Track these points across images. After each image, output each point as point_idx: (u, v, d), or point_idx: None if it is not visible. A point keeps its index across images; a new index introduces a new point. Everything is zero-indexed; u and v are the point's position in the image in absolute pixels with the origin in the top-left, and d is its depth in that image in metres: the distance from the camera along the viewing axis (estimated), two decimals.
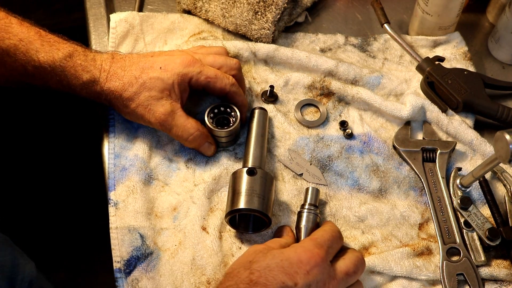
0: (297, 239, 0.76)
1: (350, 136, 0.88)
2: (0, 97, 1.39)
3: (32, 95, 1.46)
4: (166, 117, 0.78)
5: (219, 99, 0.86)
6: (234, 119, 0.84)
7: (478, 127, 0.89)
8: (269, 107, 0.90)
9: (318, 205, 0.78)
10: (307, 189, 0.79)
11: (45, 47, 0.77)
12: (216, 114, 0.84)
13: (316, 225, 0.76)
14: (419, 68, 0.93)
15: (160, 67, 0.79)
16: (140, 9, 1.02)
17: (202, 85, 0.81)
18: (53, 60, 0.77)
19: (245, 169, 0.76)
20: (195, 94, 0.85)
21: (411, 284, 0.76)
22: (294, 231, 0.77)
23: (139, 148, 0.83)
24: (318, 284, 0.64)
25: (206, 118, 0.82)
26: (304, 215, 0.76)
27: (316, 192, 0.78)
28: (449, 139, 0.89)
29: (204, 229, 0.77)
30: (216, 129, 0.82)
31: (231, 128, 0.83)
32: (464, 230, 0.79)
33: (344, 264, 0.68)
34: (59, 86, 0.79)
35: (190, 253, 0.76)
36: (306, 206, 0.77)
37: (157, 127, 0.80)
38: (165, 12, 1.00)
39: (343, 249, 0.72)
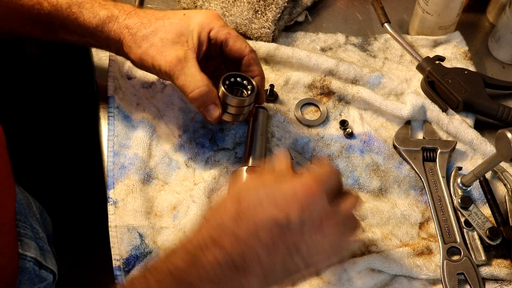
0: None
1: (350, 135, 0.88)
2: (0, 97, 1.39)
3: (31, 93, 1.46)
4: (177, 62, 0.71)
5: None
6: (249, 92, 0.78)
7: (479, 127, 0.89)
8: (269, 106, 0.90)
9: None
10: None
11: None
12: (231, 84, 0.78)
13: None
14: (420, 68, 0.93)
15: (184, 14, 0.74)
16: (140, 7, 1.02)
17: (221, 39, 0.75)
18: None
19: (245, 168, 0.76)
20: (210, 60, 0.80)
21: (412, 283, 0.76)
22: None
23: (138, 147, 0.83)
24: (314, 223, 0.57)
25: (220, 83, 0.76)
26: None
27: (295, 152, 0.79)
28: (450, 139, 0.88)
29: None
30: (229, 95, 0.75)
31: (244, 97, 0.77)
32: (464, 229, 0.79)
33: (344, 205, 0.61)
34: (75, 25, 0.75)
35: None
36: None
37: (165, 74, 0.73)
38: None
39: (343, 192, 0.64)
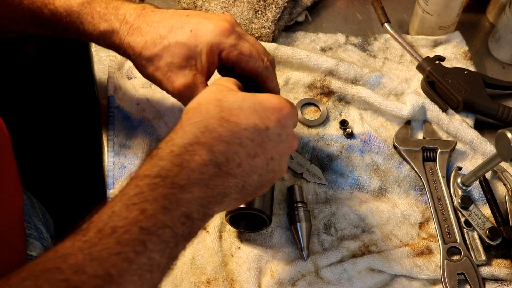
0: (294, 239, 0.76)
1: (350, 135, 0.88)
2: (1, 96, 1.39)
3: (31, 93, 1.46)
4: (186, 89, 0.68)
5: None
6: None
7: (479, 127, 0.89)
8: None
9: (306, 202, 0.79)
10: (293, 188, 0.79)
11: None
12: None
13: (309, 222, 0.76)
14: (420, 68, 0.93)
15: (191, 30, 0.68)
16: None
17: (232, 61, 0.69)
18: (70, 5, 0.71)
19: None
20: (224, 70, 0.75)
21: (412, 283, 0.76)
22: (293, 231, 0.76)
23: (138, 147, 0.83)
24: (288, 137, 0.60)
25: None
26: (301, 213, 0.77)
27: (301, 189, 0.79)
28: (450, 139, 0.88)
29: (204, 228, 0.77)
30: None
31: None
32: (464, 229, 0.79)
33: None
34: (77, 34, 0.73)
35: (190, 252, 0.75)
36: (299, 205, 0.77)
37: (174, 97, 0.71)
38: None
39: None
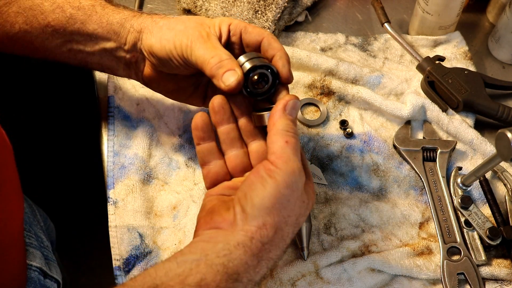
0: (294, 239, 0.76)
1: (350, 135, 0.88)
2: (1, 96, 1.39)
3: (31, 93, 1.46)
4: (200, 37, 0.68)
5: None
6: (271, 78, 0.68)
7: (479, 127, 0.89)
8: None
9: None
10: None
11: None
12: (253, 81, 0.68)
13: (309, 222, 0.76)
14: (420, 68, 0.93)
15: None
16: (140, 8, 1.02)
17: (240, 28, 0.69)
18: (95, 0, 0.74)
19: None
20: None
21: (412, 283, 0.76)
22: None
23: (138, 147, 0.83)
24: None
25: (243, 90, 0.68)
26: None
27: None
28: (450, 139, 0.88)
29: None
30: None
31: (266, 91, 0.68)
32: (464, 229, 0.79)
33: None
34: (95, 24, 0.73)
35: None
36: None
37: (186, 49, 0.68)
38: (164, 14, 1.00)
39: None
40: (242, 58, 0.67)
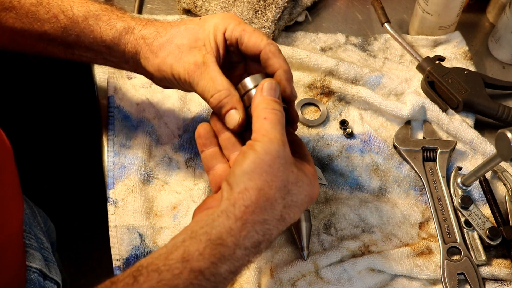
0: (294, 239, 0.76)
1: (350, 135, 0.88)
2: (1, 96, 1.39)
3: (31, 93, 1.46)
4: (196, 68, 0.67)
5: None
6: None
7: (479, 127, 0.89)
8: None
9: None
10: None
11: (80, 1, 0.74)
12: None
13: (309, 221, 0.76)
14: (420, 68, 0.93)
15: (200, 19, 0.71)
16: (140, 8, 1.02)
17: (236, 37, 0.69)
18: (88, 10, 0.73)
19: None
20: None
21: (412, 283, 0.76)
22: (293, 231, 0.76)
23: (138, 147, 0.83)
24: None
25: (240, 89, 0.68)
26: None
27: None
28: (450, 139, 0.88)
29: None
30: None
31: None
32: (464, 229, 0.79)
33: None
34: (90, 39, 0.73)
35: None
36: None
37: (185, 82, 0.69)
38: (164, 14, 1.00)
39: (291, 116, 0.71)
40: (248, 83, 0.67)
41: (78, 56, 0.76)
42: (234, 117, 0.66)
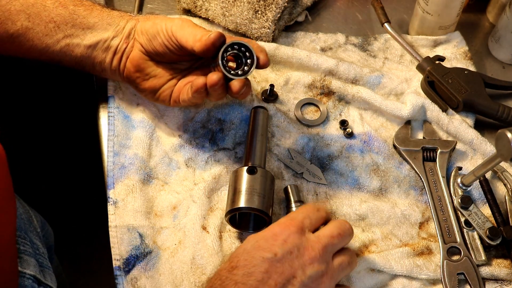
0: None
1: (350, 135, 0.88)
2: (1, 96, 1.39)
3: (31, 93, 1.46)
4: (186, 20, 0.77)
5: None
6: (249, 60, 0.75)
7: (479, 127, 0.89)
8: (269, 106, 0.90)
9: (303, 200, 0.79)
10: (286, 189, 0.79)
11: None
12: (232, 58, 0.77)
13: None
14: (420, 68, 0.93)
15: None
16: (140, 8, 1.02)
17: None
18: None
19: (246, 167, 0.76)
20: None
21: (412, 283, 0.76)
22: None
23: (138, 147, 0.83)
24: (300, 250, 0.64)
25: (219, 60, 0.73)
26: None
27: (297, 188, 0.79)
28: (450, 139, 0.88)
29: (204, 228, 0.77)
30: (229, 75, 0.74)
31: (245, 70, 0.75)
32: (464, 229, 0.79)
33: (326, 229, 0.68)
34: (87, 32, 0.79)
35: (190, 252, 0.75)
36: (297, 204, 0.77)
37: (173, 31, 0.75)
38: (164, 15, 1.00)
39: (327, 221, 0.71)
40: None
41: (71, 48, 0.80)
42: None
